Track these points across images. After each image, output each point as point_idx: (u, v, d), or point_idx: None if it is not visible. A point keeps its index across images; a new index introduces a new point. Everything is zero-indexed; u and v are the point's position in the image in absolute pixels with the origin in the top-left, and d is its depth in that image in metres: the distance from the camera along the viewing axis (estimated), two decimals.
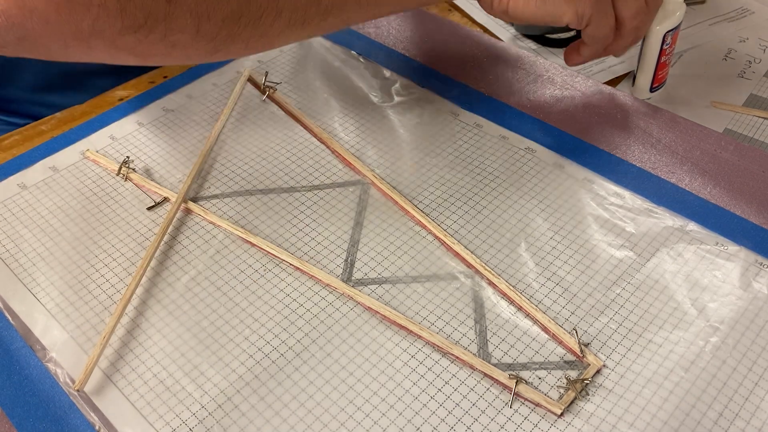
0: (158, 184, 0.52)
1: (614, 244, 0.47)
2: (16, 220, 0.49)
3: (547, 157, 0.54)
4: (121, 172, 0.52)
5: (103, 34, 0.38)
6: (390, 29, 0.67)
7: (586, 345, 0.42)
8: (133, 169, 0.53)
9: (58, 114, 0.59)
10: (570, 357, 0.41)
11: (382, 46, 0.65)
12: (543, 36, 0.67)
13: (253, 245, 0.47)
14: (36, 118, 0.60)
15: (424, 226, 0.49)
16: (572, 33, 0.68)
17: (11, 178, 0.52)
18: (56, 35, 0.38)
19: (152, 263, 0.46)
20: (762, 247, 0.46)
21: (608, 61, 0.65)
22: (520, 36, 0.68)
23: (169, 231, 0.48)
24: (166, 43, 0.39)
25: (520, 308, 0.44)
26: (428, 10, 0.70)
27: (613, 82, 0.62)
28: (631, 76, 0.62)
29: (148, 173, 0.53)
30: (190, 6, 0.38)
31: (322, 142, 0.55)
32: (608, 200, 0.50)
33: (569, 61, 0.55)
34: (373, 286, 0.45)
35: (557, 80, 0.61)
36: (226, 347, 0.42)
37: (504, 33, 0.69)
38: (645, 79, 0.58)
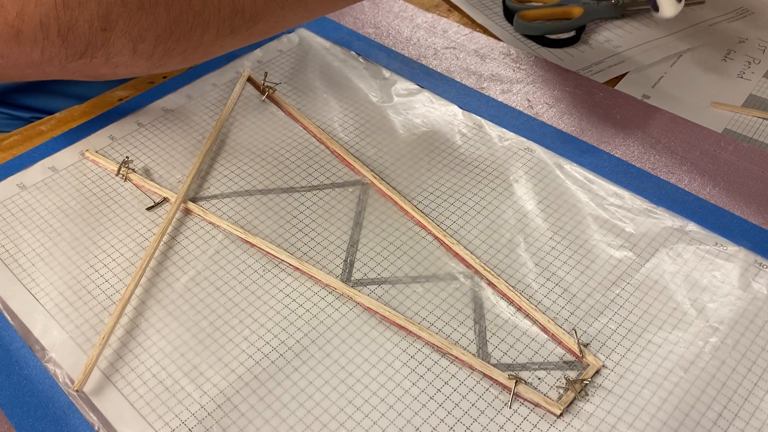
0: (158, 184, 0.52)
1: (613, 245, 0.47)
2: (15, 221, 0.49)
3: (547, 157, 0.54)
4: (121, 172, 0.52)
5: (52, 62, 0.43)
6: (390, 29, 0.67)
7: (586, 345, 0.42)
8: (133, 170, 0.53)
9: (57, 114, 0.59)
10: (569, 357, 0.41)
11: (382, 46, 0.65)
12: (543, 36, 0.67)
13: (253, 245, 0.47)
14: (41, 110, 0.61)
15: (423, 227, 0.49)
16: (572, 33, 0.68)
17: (11, 178, 0.52)
18: (12, 66, 0.43)
19: (151, 263, 0.46)
20: (761, 247, 0.46)
21: (607, 61, 0.65)
22: (520, 36, 0.68)
23: (168, 231, 0.48)
24: (110, 65, 0.45)
25: (519, 308, 0.44)
26: (427, 12, 0.70)
27: (613, 82, 0.62)
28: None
29: (147, 173, 0.53)
30: (123, 30, 0.42)
31: (322, 143, 0.55)
32: (608, 200, 0.50)
33: None
34: (372, 287, 0.45)
35: (557, 80, 0.61)
36: (226, 347, 0.42)
37: (504, 33, 0.69)
38: None
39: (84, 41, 0.42)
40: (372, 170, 0.53)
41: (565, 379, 0.39)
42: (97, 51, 0.43)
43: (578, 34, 0.68)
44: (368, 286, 0.45)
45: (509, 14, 0.70)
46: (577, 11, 0.68)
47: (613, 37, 0.68)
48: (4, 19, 0.41)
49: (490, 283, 0.45)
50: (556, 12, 0.69)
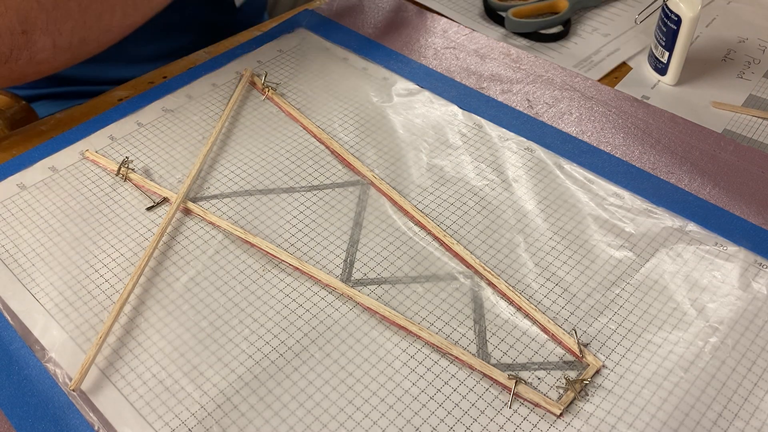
0: (158, 184, 0.52)
1: (613, 245, 0.47)
2: (15, 221, 0.49)
3: (547, 157, 0.54)
4: (121, 172, 0.52)
5: None
6: (389, 29, 0.67)
7: (586, 345, 0.42)
8: (133, 170, 0.53)
9: (57, 114, 0.59)
10: (569, 357, 0.41)
11: (382, 47, 0.65)
12: (536, 33, 0.67)
13: (253, 245, 0.47)
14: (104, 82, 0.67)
15: (423, 227, 0.49)
16: (560, 28, 0.68)
17: (11, 178, 0.52)
18: None
19: (151, 263, 0.46)
20: (761, 247, 0.46)
21: (602, 51, 0.65)
22: (511, 35, 0.68)
23: (168, 231, 0.48)
24: (33, 63, 0.49)
25: (519, 308, 0.44)
26: (427, 11, 0.70)
27: (612, 80, 0.62)
28: (638, 80, 0.62)
29: (147, 173, 0.53)
30: (42, 28, 0.46)
31: (322, 143, 0.55)
32: (607, 200, 0.50)
33: None
34: (372, 286, 0.45)
35: (556, 80, 0.61)
36: (225, 347, 0.42)
37: (496, 33, 0.69)
38: (679, 63, 0.60)
39: (8, 47, 0.46)
40: (372, 170, 0.53)
41: (565, 379, 0.39)
42: (21, 53, 0.47)
43: (566, 27, 0.68)
44: (368, 286, 0.45)
45: (491, 13, 0.70)
46: (563, 4, 0.68)
47: (599, 25, 0.68)
48: None
49: (490, 283, 0.45)
50: (542, 7, 0.69)
